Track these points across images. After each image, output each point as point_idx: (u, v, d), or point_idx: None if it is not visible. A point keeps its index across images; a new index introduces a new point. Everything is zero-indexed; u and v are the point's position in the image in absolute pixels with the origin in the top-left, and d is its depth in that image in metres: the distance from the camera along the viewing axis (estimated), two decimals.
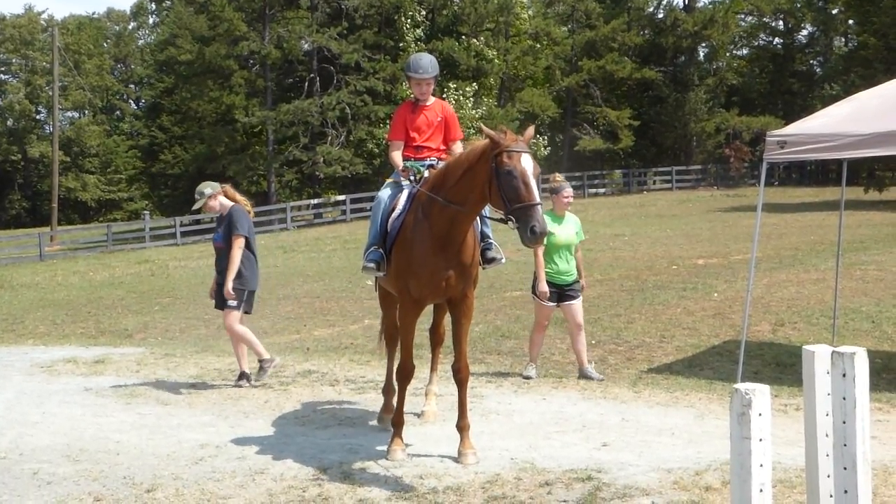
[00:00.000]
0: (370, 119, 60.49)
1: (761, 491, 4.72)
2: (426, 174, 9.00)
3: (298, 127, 59.82)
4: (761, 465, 4.70)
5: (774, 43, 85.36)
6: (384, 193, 9.14)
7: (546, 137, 64.93)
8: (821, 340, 13.39)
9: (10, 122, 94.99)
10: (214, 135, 64.61)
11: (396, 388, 9.26)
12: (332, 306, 21.08)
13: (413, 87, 9.49)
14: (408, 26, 61.01)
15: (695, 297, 18.81)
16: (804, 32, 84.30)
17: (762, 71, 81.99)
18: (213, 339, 17.57)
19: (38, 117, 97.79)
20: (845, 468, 5.00)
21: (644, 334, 15.57)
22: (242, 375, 12.60)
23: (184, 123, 73.18)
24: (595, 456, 8.81)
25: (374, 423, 10.26)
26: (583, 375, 12.54)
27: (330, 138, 60.10)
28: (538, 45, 68.06)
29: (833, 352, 5.05)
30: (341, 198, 58.91)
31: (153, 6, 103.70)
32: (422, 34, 62.02)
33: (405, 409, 9.25)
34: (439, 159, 9.39)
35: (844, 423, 5.00)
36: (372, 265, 8.85)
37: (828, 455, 5.03)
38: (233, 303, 12.50)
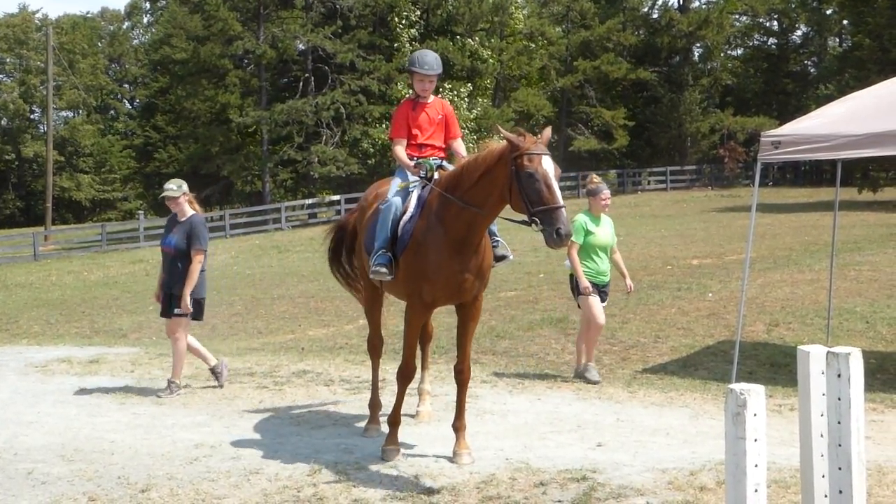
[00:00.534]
0: (365, 119, 60.42)
1: (756, 491, 4.73)
2: (436, 174, 8.96)
3: (293, 127, 59.77)
4: (756, 466, 4.71)
5: (769, 43, 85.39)
6: (396, 198, 8.94)
7: None
8: (815, 341, 13.40)
9: (4, 122, 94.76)
10: (209, 134, 64.57)
11: (397, 390, 9.18)
12: (327, 306, 21.08)
13: (416, 83, 9.42)
14: (402, 26, 60.97)
15: (689, 298, 18.82)
16: (798, 33, 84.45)
17: (756, 71, 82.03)
18: (208, 339, 17.53)
19: (32, 117, 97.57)
20: (840, 468, 5.01)
21: (639, 334, 15.58)
22: (170, 384, 12.22)
23: (178, 123, 73.20)
24: (590, 456, 8.82)
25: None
26: (579, 374, 12.51)
27: (324, 138, 60.05)
28: (533, 45, 68.04)
29: (828, 352, 5.06)
30: (336, 198, 58.85)
31: (147, 5, 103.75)
32: (416, 34, 61.97)
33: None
34: (443, 160, 9.38)
35: (839, 423, 5.01)
36: (384, 270, 8.69)
37: (823, 455, 5.04)
38: (181, 311, 12.26)
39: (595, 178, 12.92)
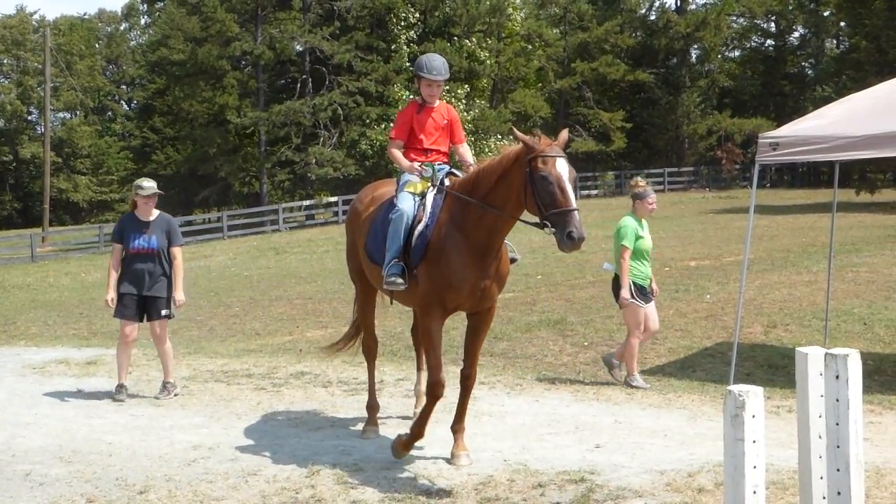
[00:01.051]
0: (363, 120, 60.45)
1: (755, 493, 4.73)
2: (445, 179, 8.87)
3: (290, 128, 59.84)
4: (755, 467, 4.71)
5: (766, 45, 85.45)
6: (406, 204, 8.73)
7: None
8: (813, 342, 13.41)
9: (1, 123, 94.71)
10: (206, 136, 64.59)
11: (426, 406, 8.80)
12: (325, 308, 21.07)
13: (423, 87, 9.30)
14: (399, 27, 61.00)
15: (687, 299, 18.82)
16: (796, 34, 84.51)
17: (754, 73, 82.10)
18: (206, 341, 17.55)
19: (29, 118, 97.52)
20: (838, 470, 5.01)
21: None
22: (166, 385, 12.22)
23: (176, 124, 73.21)
24: (588, 458, 8.82)
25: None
26: (613, 374, 12.44)
27: (322, 139, 60.10)
28: (530, 47, 68.04)
29: (826, 354, 5.06)
30: (333, 199, 58.94)
31: (144, 7, 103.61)
32: (414, 35, 62.01)
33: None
34: (449, 165, 9.28)
35: (838, 424, 5.01)
36: (399, 280, 8.53)
37: (821, 457, 5.04)
38: (167, 312, 12.29)
39: (640, 181, 12.80)
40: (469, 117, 56.70)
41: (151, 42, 77.74)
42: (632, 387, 12.03)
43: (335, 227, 53.25)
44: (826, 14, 76.33)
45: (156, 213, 12.32)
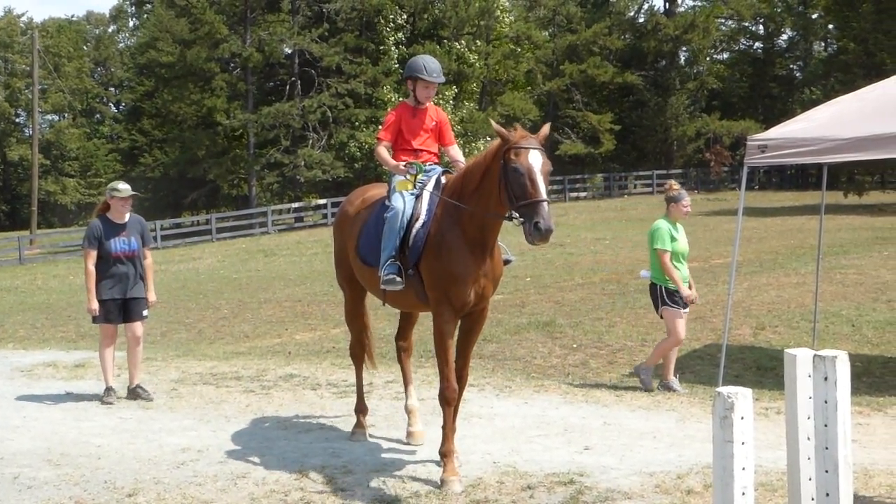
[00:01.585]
0: (351, 122, 60.45)
1: (743, 494, 4.74)
2: (440, 177, 8.83)
3: (279, 130, 59.84)
4: (744, 469, 4.72)
5: (754, 47, 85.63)
6: (399, 203, 8.64)
7: None
8: (801, 344, 13.44)
9: None
10: (195, 138, 64.54)
11: (444, 417, 8.60)
12: (314, 310, 21.07)
13: (419, 89, 9.17)
14: (388, 29, 61.04)
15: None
16: (784, 37, 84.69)
17: (742, 75, 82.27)
18: (194, 344, 17.53)
19: (17, 120, 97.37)
20: (827, 471, 5.02)
21: (625, 338, 15.60)
22: (139, 388, 12.22)
23: (164, 127, 73.15)
24: (577, 459, 8.82)
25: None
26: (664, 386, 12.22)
27: (311, 141, 60.11)
28: (519, 49, 68.11)
29: (815, 355, 5.07)
30: (322, 201, 58.91)
31: (133, 9, 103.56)
32: (402, 38, 62.05)
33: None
34: (439, 165, 9.19)
35: (826, 426, 5.02)
36: (398, 279, 8.43)
37: (809, 458, 5.05)
38: (147, 314, 12.45)
39: (674, 184, 12.55)
40: (457, 119, 56.70)
41: (140, 44, 77.63)
42: (670, 389, 11.89)
43: (324, 230, 53.20)
44: (814, 17, 76.59)
45: (127, 215, 12.33)
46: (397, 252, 8.52)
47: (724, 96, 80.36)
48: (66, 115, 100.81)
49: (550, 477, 8.28)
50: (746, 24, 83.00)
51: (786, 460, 5.21)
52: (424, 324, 10.21)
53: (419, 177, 8.82)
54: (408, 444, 9.58)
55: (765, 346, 14.66)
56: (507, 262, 8.90)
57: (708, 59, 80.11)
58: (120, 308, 12.12)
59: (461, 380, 8.70)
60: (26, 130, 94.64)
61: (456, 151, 9.37)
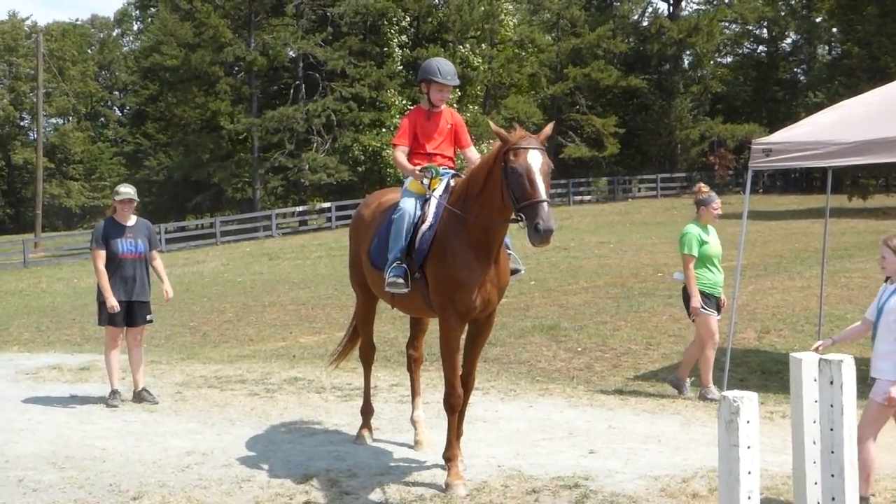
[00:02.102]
0: (356, 126, 60.46)
1: (749, 498, 4.74)
2: (449, 180, 8.77)
3: (283, 134, 59.82)
4: (749, 473, 4.72)
5: (758, 51, 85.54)
6: (408, 204, 8.62)
7: None
8: (806, 348, 13.37)
9: None
10: (199, 141, 64.52)
11: (448, 422, 8.58)
12: (318, 313, 21.05)
13: (433, 92, 9.09)
14: (392, 32, 61.08)
15: (680, 305, 18.70)
16: (788, 41, 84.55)
17: (746, 79, 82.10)
18: (199, 347, 17.53)
19: (22, 124, 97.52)
20: (833, 475, 5.02)
21: (630, 341, 15.57)
22: (145, 391, 12.27)
23: (168, 130, 73.13)
24: (582, 463, 8.82)
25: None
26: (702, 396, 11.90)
27: (315, 145, 60.13)
28: (523, 53, 68.10)
29: (820, 359, 5.08)
30: (326, 205, 58.89)
31: (137, 13, 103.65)
32: (407, 41, 62.08)
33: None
34: (453, 170, 9.12)
35: (832, 430, 5.02)
36: (400, 281, 8.36)
37: (815, 462, 5.05)
38: (151, 317, 12.52)
39: (704, 187, 12.31)
40: None
41: (144, 48, 77.60)
42: (707, 399, 11.61)
43: (328, 233, 53.24)
44: (818, 20, 76.46)
45: (133, 217, 12.40)
46: (403, 254, 8.45)
47: (728, 100, 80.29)
48: (70, 118, 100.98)
49: (555, 481, 8.28)
50: (750, 27, 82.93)
51: (791, 464, 5.21)
52: (432, 331, 10.19)
53: (436, 181, 8.74)
54: (413, 448, 9.58)
55: (769, 349, 14.64)
56: (515, 271, 8.81)
57: (712, 62, 79.99)
58: (124, 310, 12.12)
59: (467, 385, 8.64)
60: (31, 134, 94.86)
61: (473, 153, 9.28)
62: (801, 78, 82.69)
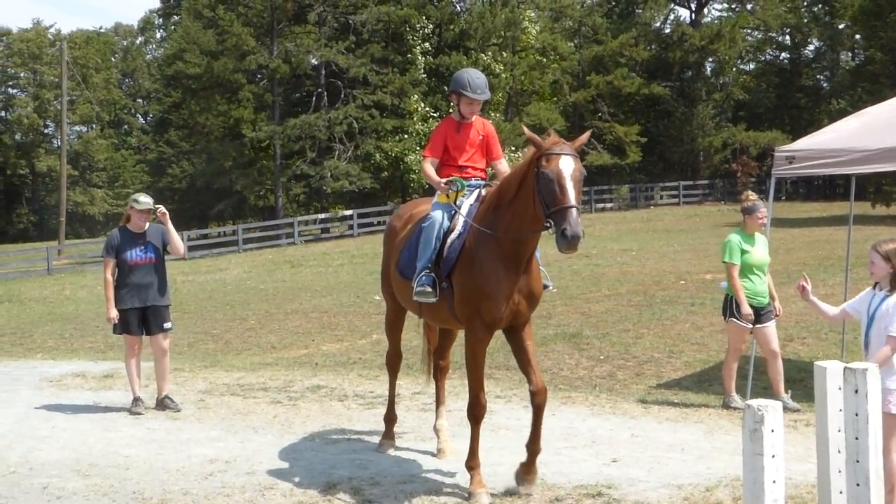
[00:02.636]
0: (378, 133, 60.56)
1: None
2: (481, 191, 8.72)
3: (305, 141, 59.95)
4: (774, 482, 4.70)
5: (781, 58, 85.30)
6: (437, 214, 8.60)
7: None
8: (830, 356, 13.37)
9: (18, 136, 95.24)
10: (222, 149, 64.70)
11: (471, 432, 8.51)
12: (340, 321, 21.08)
13: (462, 105, 9.02)
14: (414, 40, 61.19)
15: (703, 313, 18.77)
16: (811, 47, 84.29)
17: (769, 86, 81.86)
18: (222, 354, 17.58)
19: (46, 131, 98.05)
20: (858, 484, 4.99)
21: (653, 349, 15.54)
22: (167, 399, 12.28)
23: (191, 138, 73.39)
24: (605, 472, 8.81)
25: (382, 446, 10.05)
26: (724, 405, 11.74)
27: (337, 153, 60.22)
28: (545, 60, 68.05)
29: (845, 368, 5.05)
30: (348, 212, 59.03)
31: (160, 21, 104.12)
32: (429, 48, 62.17)
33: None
34: (484, 181, 9.09)
35: (857, 439, 5.00)
36: (429, 290, 8.33)
37: (840, 471, 5.02)
38: (170, 325, 12.47)
39: (751, 194, 12.13)
40: None
41: (167, 56, 77.84)
42: (730, 408, 11.52)
43: (350, 241, 53.33)
44: (841, 27, 76.21)
45: (147, 224, 12.40)
46: (432, 264, 8.42)
47: (751, 107, 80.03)
48: (94, 126, 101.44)
49: (578, 489, 8.27)
50: (773, 34, 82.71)
51: (816, 473, 5.19)
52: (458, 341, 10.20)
53: (461, 194, 8.70)
54: (436, 457, 9.58)
55: (793, 357, 14.58)
56: (544, 287, 8.65)
57: (734, 69, 79.87)
58: (140, 318, 12.15)
59: (538, 395, 8.32)
60: (55, 141, 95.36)
61: (503, 165, 9.25)
62: (824, 85, 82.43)
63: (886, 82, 48.86)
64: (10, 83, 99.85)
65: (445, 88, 61.05)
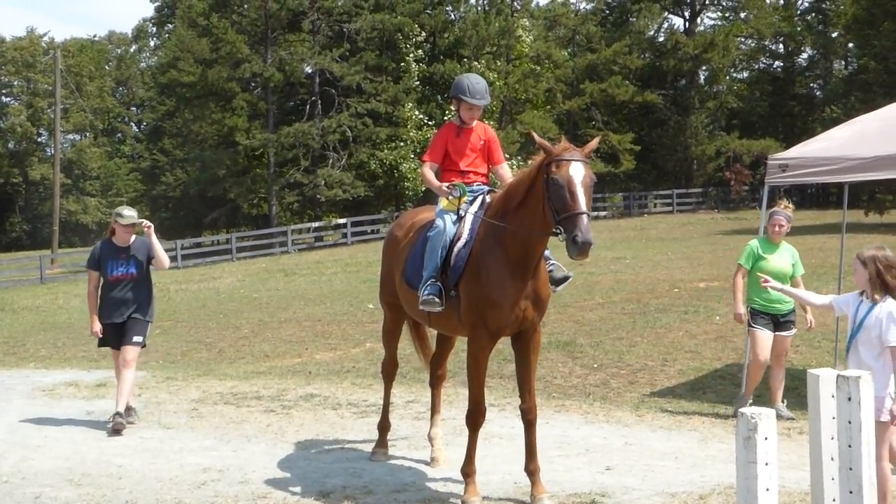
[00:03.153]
0: (372, 141, 60.59)
1: None
2: (485, 196, 8.69)
3: (299, 150, 59.98)
4: (767, 490, 4.69)
5: (774, 66, 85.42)
6: (444, 222, 8.54)
7: None
8: (823, 364, 13.38)
9: (11, 145, 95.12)
10: (216, 157, 64.63)
11: (469, 438, 8.50)
12: (334, 330, 21.07)
13: (462, 110, 9.01)
14: (407, 47, 61.28)
15: (697, 321, 18.79)
16: (804, 56, 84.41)
17: (762, 94, 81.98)
18: (215, 363, 17.56)
19: (39, 139, 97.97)
20: (851, 492, 5.00)
21: (646, 357, 15.55)
22: (126, 413, 11.71)
23: (185, 146, 73.29)
24: (598, 480, 8.80)
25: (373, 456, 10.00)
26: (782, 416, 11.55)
27: (331, 161, 60.24)
28: (539, 68, 68.11)
29: (838, 375, 5.05)
30: (342, 221, 59.06)
31: (154, 29, 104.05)
32: (423, 56, 62.26)
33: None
34: (487, 185, 9.06)
35: (850, 446, 5.00)
36: (435, 300, 8.26)
37: (833, 479, 5.02)
38: (140, 339, 11.97)
39: (782, 202, 12.06)
40: None
41: (161, 64, 77.86)
42: (779, 417, 11.40)
43: (344, 249, 53.31)
44: (834, 35, 76.44)
45: (132, 237, 12.07)
46: (438, 272, 8.37)
47: (744, 115, 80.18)
48: (87, 134, 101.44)
49: (572, 497, 8.26)
50: (766, 42, 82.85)
51: (809, 481, 5.19)
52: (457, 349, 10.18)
53: (463, 199, 8.67)
54: (430, 466, 9.56)
55: (787, 365, 14.54)
56: (564, 279, 8.62)
57: (728, 77, 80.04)
58: (119, 331, 11.89)
59: (529, 412, 8.41)
60: (48, 150, 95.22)
61: (505, 170, 9.22)
62: (818, 93, 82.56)
63: (879, 91, 48.92)
64: (4, 91, 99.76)
65: (439, 97, 61.18)
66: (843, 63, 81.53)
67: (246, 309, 26.92)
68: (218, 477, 9.23)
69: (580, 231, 7.21)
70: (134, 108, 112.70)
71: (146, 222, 12.13)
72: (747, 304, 11.74)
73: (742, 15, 78.92)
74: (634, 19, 79.47)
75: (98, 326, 11.84)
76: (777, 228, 11.79)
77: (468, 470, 8.36)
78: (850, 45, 69.63)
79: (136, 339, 11.85)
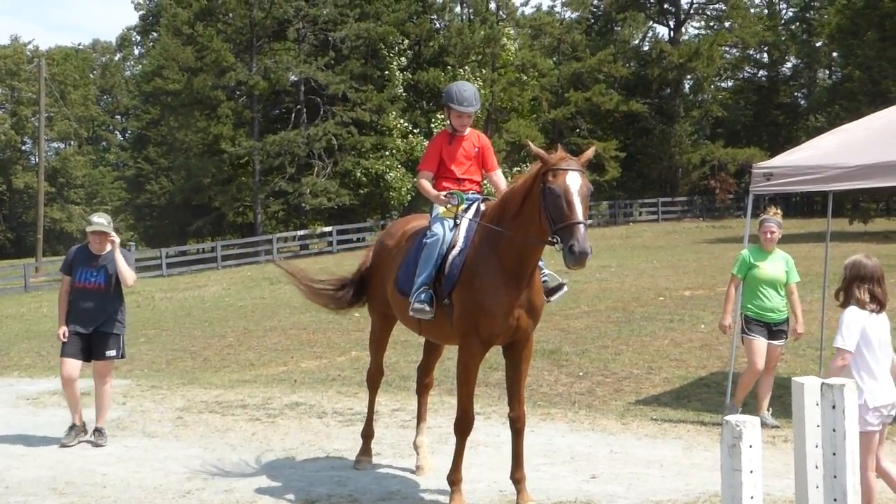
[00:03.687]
0: (357, 150, 60.59)
1: None
2: (479, 205, 8.67)
3: (284, 158, 59.92)
4: (752, 498, 4.69)
5: (759, 75, 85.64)
6: (440, 229, 8.53)
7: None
8: (808, 372, 13.41)
9: None
10: (201, 165, 64.49)
11: (456, 446, 8.54)
12: (319, 338, 21.03)
13: (453, 118, 9.01)
14: (391, 55, 61.33)
15: (682, 329, 18.82)
16: (788, 65, 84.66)
17: (747, 103, 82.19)
18: (200, 372, 17.51)
19: (23, 148, 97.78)
20: (835, 500, 5.00)
21: (631, 366, 15.56)
22: (100, 431, 11.41)
23: (170, 154, 73.23)
24: (584, 488, 8.80)
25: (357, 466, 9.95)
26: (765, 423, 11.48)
27: (316, 169, 60.21)
28: (524, 77, 68.20)
29: (823, 384, 5.06)
30: (327, 229, 58.97)
31: (139, 37, 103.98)
32: (407, 64, 62.30)
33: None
34: (482, 193, 9.07)
35: (834, 454, 5.01)
36: (426, 308, 8.25)
37: (818, 487, 5.03)
38: (114, 353, 11.52)
39: (771, 209, 12.10)
40: None
41: (146, 72, 77.75)
42: (764, 425, 11.02)
43: (329, 257, 53.21)
44: (818, 45, 76.69)
45: (107, 247, 11.52)
46: (432, 280, 8.36)
47: (729, 124, 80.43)
48: (71, 142, 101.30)
49: None
50: (751, 52, 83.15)
51: (794, 489, 5.19)
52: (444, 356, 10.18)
53: (461, 207, 8.65)
54: (415, 474, 9.55)
55: None
56: (558, 288, 8.66)
57: (712, 86, 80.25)
58: (84, 342, 11.44)
59: (518, 421, 8.48)
60: (32, 158, 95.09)
61: (499, 177, 9.24)
62: (802, 102, 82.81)
63: (864, 100, 49.17)
64: None
65: (424, 104, 61.20)
66: (828, 72, 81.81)
67: (231, 317, 26.87)
68: (203, 486, 9.21)
69: (577, 241, 7.24)
70: (118, 117, 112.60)
71: (113, 235, 11.49)
72: (742, 312, 11.75)
73: (727, 24, 79.23)
74: (619, 28, 79.82)
75: (63, 330, 11.41)
76: (769, 235, 11.80)
77: (454, 478, 8.36)
78: (835, 54, 69.99)
79: (109, 353, 11.46)
